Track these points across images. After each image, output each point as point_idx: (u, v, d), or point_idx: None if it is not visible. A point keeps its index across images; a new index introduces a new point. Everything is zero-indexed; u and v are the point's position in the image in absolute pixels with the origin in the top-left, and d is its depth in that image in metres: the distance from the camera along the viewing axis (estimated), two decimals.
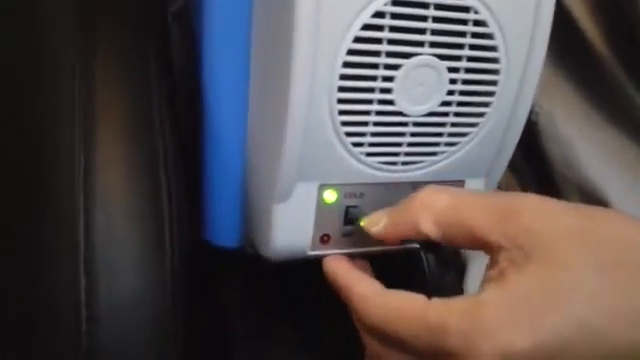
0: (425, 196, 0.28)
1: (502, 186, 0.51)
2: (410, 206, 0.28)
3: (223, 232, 0.34)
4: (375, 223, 0.29)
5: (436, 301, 0.25)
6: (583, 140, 0.44)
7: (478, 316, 0.23)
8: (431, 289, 0.43)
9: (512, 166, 0.35)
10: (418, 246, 0.33)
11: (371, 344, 0.28)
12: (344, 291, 0.29)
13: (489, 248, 0.25)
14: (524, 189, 0.50)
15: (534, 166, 0.48)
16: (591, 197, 0.43)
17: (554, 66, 0.44)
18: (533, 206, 0.25)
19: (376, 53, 0.27)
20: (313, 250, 0.32)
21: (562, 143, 0.45)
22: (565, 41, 0.39)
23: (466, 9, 0.28)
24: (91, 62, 0.30)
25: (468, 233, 0.26)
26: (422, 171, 0.31)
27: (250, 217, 0.33)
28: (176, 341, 0.26)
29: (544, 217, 0.25)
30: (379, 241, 0.33)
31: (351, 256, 0.31)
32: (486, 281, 0.25)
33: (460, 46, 0.28)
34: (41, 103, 0.29)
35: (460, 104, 0.30)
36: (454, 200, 0.27)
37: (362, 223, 0.30)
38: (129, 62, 0.31)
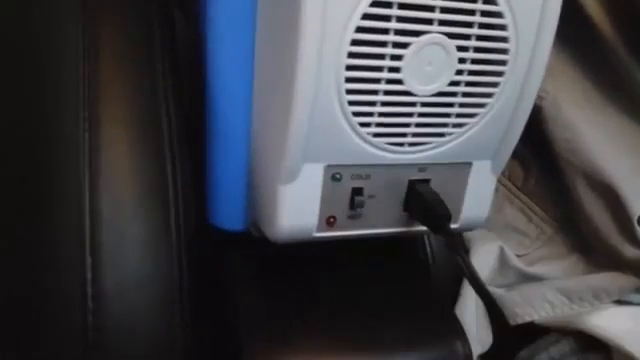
0: None
1: (505, 172, 0.51)
2: None
3: (228, 215, 0.34)
4: None
5: None
6: (588, 125, 0.44)
7: None
8: (435, 272, 0.43)
9: (516, 152, 0.34)
10: (425, 228, 0.33)
11: None
12: None
13: None
14: (527, 175, 0.50)
15: (538, 152, 0.48)
16: (597, 182, 0.43)
17: (559, 51, 0.44)
18: None
19: (385, 31, 0.27)
20: (319, 232, 0.31)
21: (567, 128, 0.44)
22: (571, 26, 0.39)
23: None
24: (95, 42, 0.30)
25: None
26: (429, 153, 0.31)
27: (256, 199, 0.33)
28: (183, 317, 0.26)
29: None
30: (384, 223, 0.33)
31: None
32: None
33: (469, 24, 0.28)
34: (45, 82, 0.28)
35: (468, 84, 0.29)
36: None
37: None
38: (134, 42, 0.31)
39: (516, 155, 0.41)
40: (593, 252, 0.45)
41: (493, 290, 0.46)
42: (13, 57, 0.30)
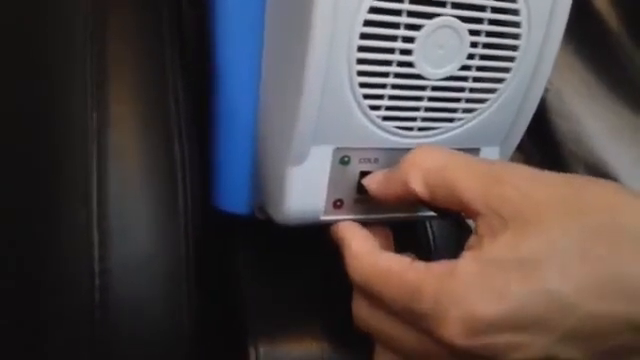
0: (417, 155, 0.28)
1: None
2: (402, 164, 0.28)
3: (233, 197, 0.34)
4: (373, 181, 0.30)
5: (418, 264, 0.26)
6: (591, 116, 0.44)
7: (450, 280, 0.24)
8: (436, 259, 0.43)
9: (518, 143, 0.34)
10: (432, 213, 0.32)
11: (358, 312, 0.28)
12: (341, 246, 0.29)
13: (473, 214, 0.26)
14: (529, 166, 0.50)
15: (540, 143, 0.48)
16: (599, 172, 0.43)
17: (564, 43, 0.44)
18: (519, 175, 0.25)
19: (397, 12, 0.27)
20: (326, 215, 0.31)
21: (570, 119, 0.44)
22: (577, 19, 0.39)
23: None
24: (103, 18, 0.29)
25: (454, 196, 0.26)
26: (438, 137, 0.31)
27: (262, 181, 0.32)
28: (189, 296, 0.26)
29: (527, 186, 0.25)
30: (392, 208, 0.33)
31: (366, 222, 0.31)
32: (466, 248, 0.25)
33: (482, 8, 0.28)
34: (52, 59, 0.28)
35: (479, 69, 0.29)
36: (445, 161, 0.27)
37: (363, 181, 0.30)
38: (141, 19, 0.31)
39: (518, 146, 0.41)
40: None
41: None
42: (19, 38, 0.29)
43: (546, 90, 0.45)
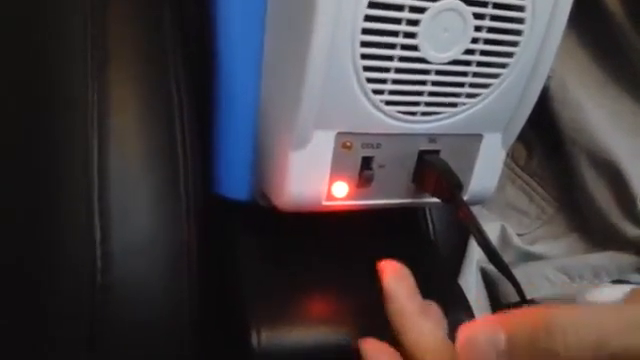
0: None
1: (508, 151, 0.51)
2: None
3: (234, 184, 0.34)
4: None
5: None
6: (594, 105, 0.44)
7: None
8: (437, 247, 0.43)
9: (520, 133, 0.34)
10: (433, 200, 0.32)
11: None
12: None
13: None
14: (530, 155, 0.50)
15: (542, 131, 0.48)
16: (600, 161, 0.43)
17: (568, 32, 0.44)
18: None
19: None
20: (328, 201, 0.31)
21: (573, 107, 0.44)
22: (579, 5, 0.39)
23: None
24: (102, 4, 0.29)
25: None
26: (441, 123, 0.31)
27: (264, 166, 0.32)
28: (190, 280, 0.26)
29: None
30: (393, 194, 0.33)
31: (367, 209, 0.31)
32: None
33: None
34: (52, 39, 0.28)
35: (483, 53, 0.29)
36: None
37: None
38: (141, 4, 0.30)
39: (519, 135, 0.41)
40: (593, 231, 0.45)
41: (494, 269, 0.46)
42: (19, 22, 0.29)
43: (548, 78, 0.45)
